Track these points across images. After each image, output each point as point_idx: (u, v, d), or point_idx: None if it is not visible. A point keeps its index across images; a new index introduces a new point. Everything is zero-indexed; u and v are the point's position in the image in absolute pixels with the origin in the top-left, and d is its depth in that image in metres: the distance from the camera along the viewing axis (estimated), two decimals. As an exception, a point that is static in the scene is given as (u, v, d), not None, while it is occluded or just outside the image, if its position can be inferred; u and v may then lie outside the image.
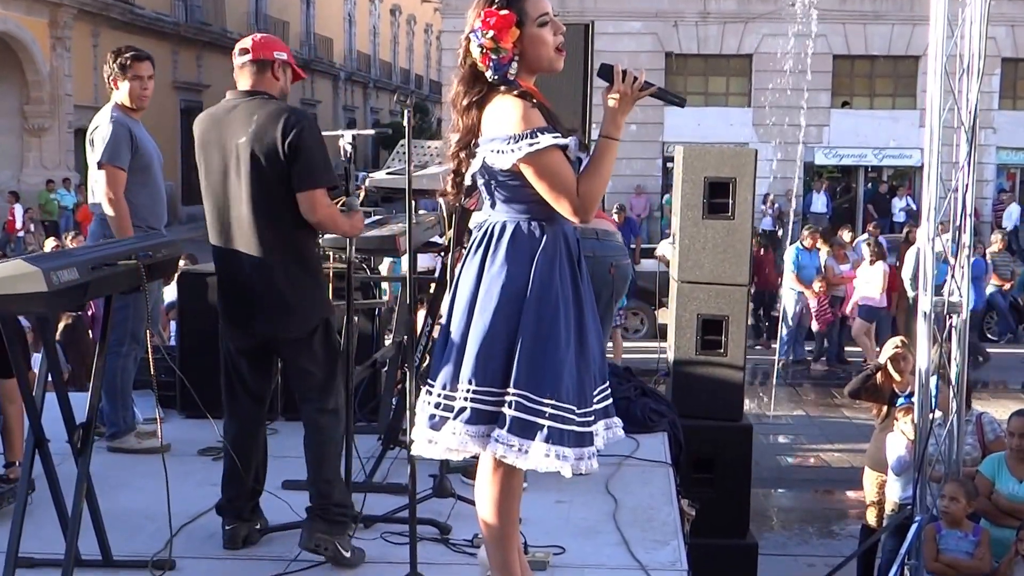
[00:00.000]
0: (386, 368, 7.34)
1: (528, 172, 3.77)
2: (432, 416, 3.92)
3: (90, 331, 11.65)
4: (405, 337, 6.65)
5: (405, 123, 4.86)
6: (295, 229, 4.95)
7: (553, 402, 3.78)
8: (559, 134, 3.77)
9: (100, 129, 6.48)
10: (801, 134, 27.98)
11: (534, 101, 3.81)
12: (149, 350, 5.09)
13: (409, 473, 4.85)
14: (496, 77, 3.82)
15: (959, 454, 8.05)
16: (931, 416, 7.94)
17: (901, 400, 8.91)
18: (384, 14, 64.18)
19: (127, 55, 6.64)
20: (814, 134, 31.79)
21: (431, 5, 55.63)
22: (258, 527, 5.27)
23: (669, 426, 7.44)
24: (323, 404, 5.06)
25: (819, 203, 31.30)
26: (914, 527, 7.84)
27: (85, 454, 4.66)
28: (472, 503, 4.16)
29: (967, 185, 7.81)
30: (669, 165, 31.58)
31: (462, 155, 3.91)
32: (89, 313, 11.95)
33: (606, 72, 3.84)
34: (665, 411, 7.60)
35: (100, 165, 6.40)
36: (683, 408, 7.91)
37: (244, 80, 5.14)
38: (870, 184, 34.26)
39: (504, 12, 3.80)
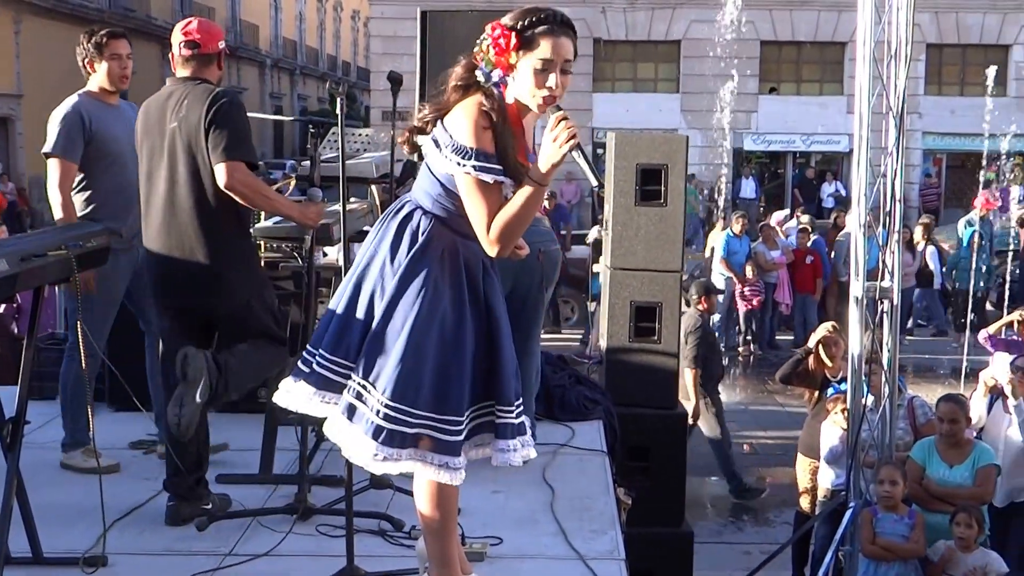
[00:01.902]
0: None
1: (460, 184, 3.74)
2: (296, 370, 4.00)
3: (15, 325, 11.47)
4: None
5: (338, 110, 4.83)
6: (221, 207, 5.07)
7: (388, 401, 3.77)
8: (495, 168, 3.69)
9: (54, 117, 6.30)
10: (729, 120, 28.22)
11: (496, 120, 3.72)
12: (80, 343, 5.05)
13: (345, 464, 4.81)
14: (484, 82, 3.75)
15: (892, 439, 8.14)
16: (863, 401, 8.03)
17: (834, 388, 8.97)
18: (310, 0, 63.77)
19: (102, 33, 6.34)
20: (742, 120, 32.05)
21: (358, -9, 55.45)
22: (208, 506, 5.29)
23: (604, 414, 7.46)
24: (229, 382, 5.09)
25: (748, 189, 31.57)
26: (848, 513, 7.92)
27: (15, 450, 4.59)
28: (410, 494, 4.14)
29: (896, 170, 7.89)
30: (600, 152, 31.66)
31: (430, 122, 3.85)
32: (15, 306, 11.75)
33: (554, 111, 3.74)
34: (600, 399, 7.61)
35: (46, 156, 6.25)
36: (618, 396, 7.93)
37: (186, 69, 5.28)
38: (798, 170, 34.58)
39: (511, 34, 3.68)
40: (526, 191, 3.69)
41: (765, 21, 33.03)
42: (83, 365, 5.01)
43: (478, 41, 3.76)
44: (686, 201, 8.20)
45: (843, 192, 29.91)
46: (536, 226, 7.32)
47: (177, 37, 5.33)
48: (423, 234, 3.85)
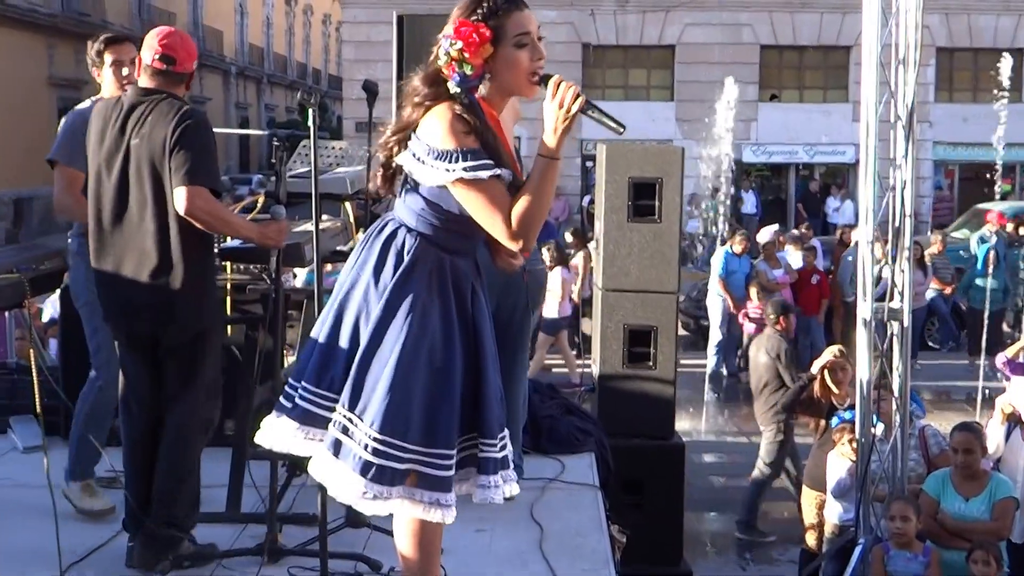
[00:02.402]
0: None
1: (456, 193, 3.74)
2: (278, 406, 4.01)
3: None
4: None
5: (310, 123, 4.84)
6: (183, 231, 5.09)
7: (377, 434, 3.76)
8: (488, 163, 3.71)
9: (62, 123, 6.31)
10: (727, 130, 28.27)
11: (472, 121, 3.74)
12: (34, 372, 5.04)
13: (319, 501, 4.81)
14: (459, 91, 3.77)
15: (903, 471, 8.15)
16: (873, 431, 8.04)
17: (836, 419, 8.96)
18: (278, 4, 63.84)
19: (101, 39, 6.30)
20: (741, 130, 32.11)
21: (329, -7, 55.53)
22: (181, 545, 5.31)
23: (596, 446, 7.45)
24: (180, 414, 5.19)
25: (748, 203, 31.62)
26: (858, 550, 7.92)
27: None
28: (389, 533, 4.13)
29: (906, 182, 7.92)
30: (589, 164, 31.72)
31: (395, 148, 3.88)
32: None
33: (545, 81, 3.79)
34: (592, 430, 7.61)
35: (49, 163, 6.24)
36: (611, 426, 7.93)
37: (152, 81, 5.28)
38: (801, 182, 34.64)
39: (480, 26, 3.73)
40: (540, 169, 3.73)
41: (764, 24, 33.18)
42: (35, 394, 4.98)
43: (440, 53, 3.77)
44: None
45: (849, 206, 29.97)
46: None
47: (151, 44, 5.32)
48: (409, 254, 3.85)
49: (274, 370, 7.02)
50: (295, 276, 12.56)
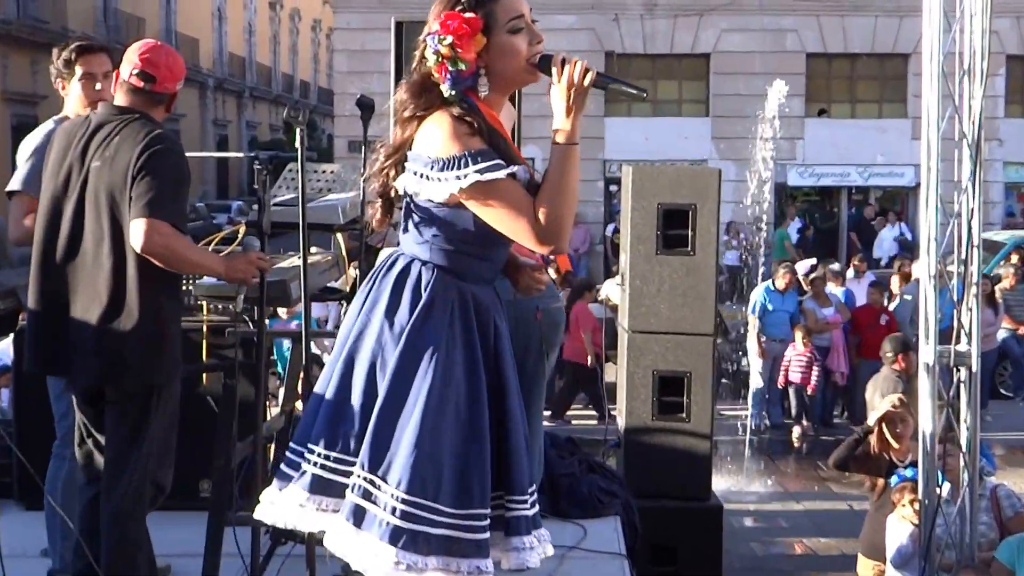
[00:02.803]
0: (274, 444, 7.28)
1: (472, 202, 3.77)
2: (281, 475, 4.00)
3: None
4: (298, 406, 6.62)
5: (297, 143, 4.86)
6: (140, 269, 5.09)
7: (397, 491, 3.74)
8: (500, 163, 3.75)
9: (24, 148, 6.25)
10: (770, 149, 28.24)
11: (475, 123, 3.78)
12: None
13: (306, 570, 4.80)
14: (454, 92, 3.81)
15: (973, 536, 8.10)
16: (938, 491, 8.00)
17: (897, 478, 8.92)
18: (262, 9, 64.18)
19: (72, 48, 6.24)
20: (786, 149, 32.10)
21: (319, -4, 55.77)
22: None
23: (622, 508, 7.44)
24: (112, 488, 5.18)
25: (794, 232, 31.58)
26: (921, 626, 7.88)
27: None
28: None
29: (973, 209, 7.91)
30: (613, 188, 31.75)
31: (390, 173, 3.93)
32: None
33: (546, 64, 3.85)
34: (617, 490, 7.59)
35: (8, 195, 6.22)
36: (639, 486, 7.91)
37: (127, 99, 5.28)
38: (854, 208, 34.57)
39: (469, 15, 3.78)
40: (559, 158, 3.78)
41: (811, 29, 33.18)
42: None
43: (426, 54, 3.82)
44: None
45: (908, 235, 29.92)
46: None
47: (131, 58, 5.33)
48: (426, 289, 3.87)
49: (256, 424, 7.04)
50: (278, 317, 12.58)
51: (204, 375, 6.75)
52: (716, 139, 32.81)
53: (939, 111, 7.85)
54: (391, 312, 3.87)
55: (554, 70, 3.79)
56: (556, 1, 31.68)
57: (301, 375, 6.11)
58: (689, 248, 8.04)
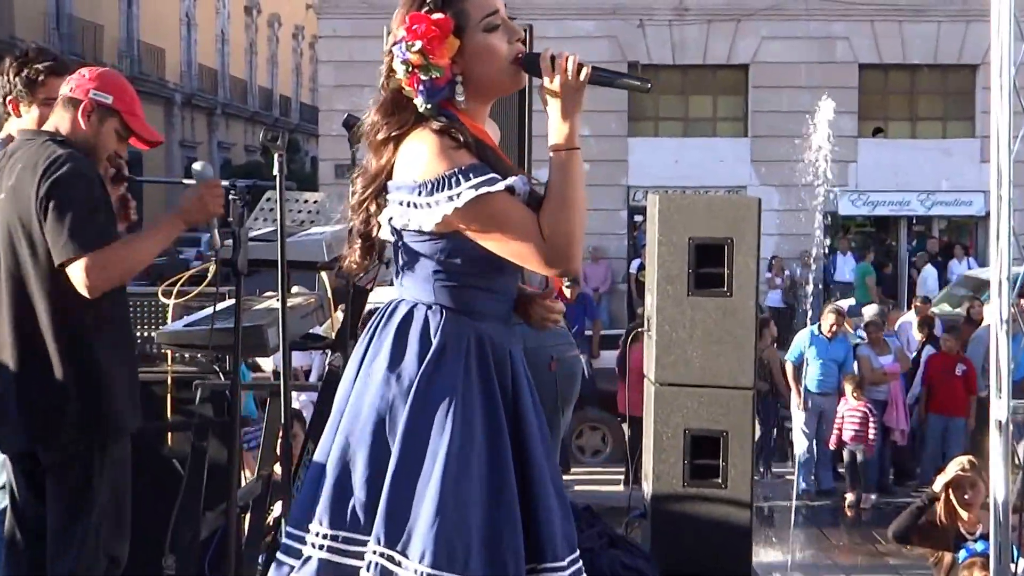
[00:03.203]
0: (249, 514, 7.28)
1: (469, 226, 3.77)
2: (278, 564, 3.96)
3: None
4: (275, 470, 6.62)
5: (276, 169, 4.87)
6: (56, 310, 5.08)
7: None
8: (494, 174, 3.76)
9: None
10: (819, 174, 28.23)
11: (460, 136, 3.80)
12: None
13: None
14: (429, 105, 3.82)
15: (1051, 619, 8.09)
16: (1012, 568, 7.97)
17: (965, 552, 8.89)
18: (236, 14, 64.32)
19: (39, 67, 5.92)
20: (836, 174, 32.05)
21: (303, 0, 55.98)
22: None
23: (649, 588, 7.42)
24: (58, 564, 5.14)
25: (846, 269, 31.54)
26: None
27: None
28: None
29: (1052, 243, 7.91)
30: (638, 219, 31.74)
31: (371, 207, 3.93)
32: None
33: (533, 63, 3.87)
34: (643, 567, 7.57)
35: None
36: (668, 562, 7.88)
37: (49, 118, 5.29)
38: (915, 241, 34.55)
39: (437, 16, 3.79)
40: (560, 167, 3.80)
41: (865, 37, 33.19)
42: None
43: (394, 66, 3.82)
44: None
45: (931, 273, 29.85)
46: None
47: (72, 78, 5.36)
48: (436, 334, 3.86)
49: (229, 490, 7.05)
50: (256, 367, 12.58)
51: (169, 434, 6.75)
52: (756, 163, 32.82)
53: (1011, 130, 7.85)
54: (396, 364, 3.86)
55: (543, 67, 3.81)
56: (572, 4, 31.76)
57: (280, 434, 6.11)
58: (725, 288, 8.01)
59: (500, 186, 3.75)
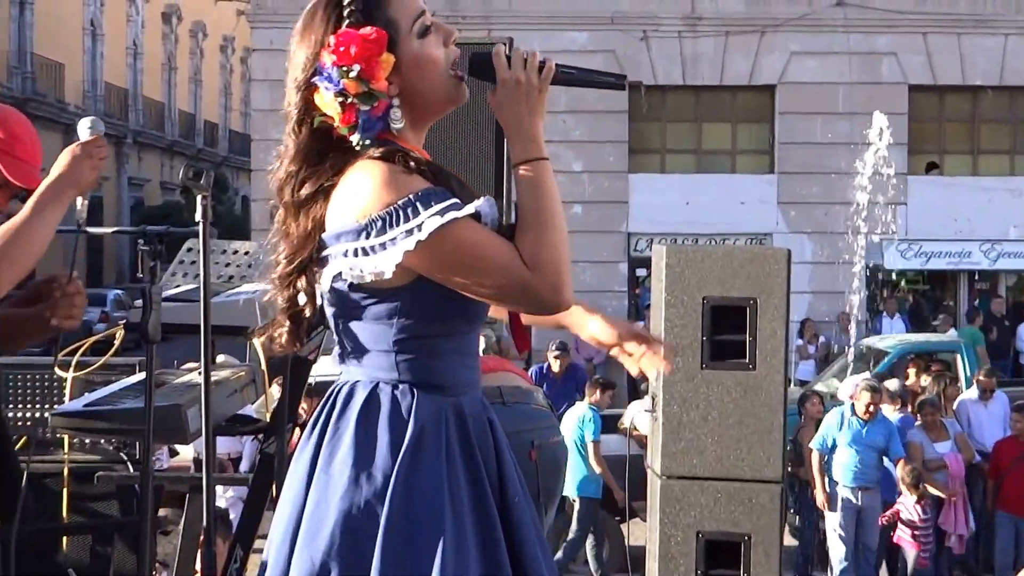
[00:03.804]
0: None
1: (432, 266, 3.73)
2: None
3: None
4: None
5: (199, 215, 4.87)
6: None
7: None
8: (456, 201, 3.73)
9: None
10: (862, 219, 28.31)
11: (410, 161, 3.77)
12: None
13: None
14: (367, 141, 3.80)
15: None
16: None
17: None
18: (152, 21, 64.47)
19: None
20: (883, 219, 32.13)
21: (232, 5, 55.93)
22: None
23: None
24: None
25: (897, 331, 31.56)
26: None
27: None
28: None
29: None
30: (640, 273, 31.76)
31: (299, 281, 3.89)
32: None
33: (483, 65, 3.87)
34: None
35: None
36: None
37: None
38: (978, 301, 34.57)
39: (367, 31, 3.76)
40: (529, 180, 3.79)
41: (916, 52, 33.23)
42: None
43: (321, 102, 3.80)
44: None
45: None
46: (523, 404, 7.33)
47: None
48: (410, 419, 3.83)
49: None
50: (175, 454, 12.57)
51: (64, 538, 6.73)
52: (784, 204, 32.85)
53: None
54: (365, 461, 3.81)
55: (497, 66, 3.81)
56: (562, 10, 31.77)
57: (202, 539, 6.08)
58: (747, 359, 8.03)
59: (469, 209, 3.73)
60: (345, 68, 3.73)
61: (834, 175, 29.75)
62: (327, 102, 3.78)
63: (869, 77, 32.78)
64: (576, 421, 16.80)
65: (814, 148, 31.90)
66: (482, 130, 6.06)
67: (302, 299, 3.92)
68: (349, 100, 3.75)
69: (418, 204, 3.67)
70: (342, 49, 3.73)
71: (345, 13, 3.78)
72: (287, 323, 3.98)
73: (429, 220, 3.65)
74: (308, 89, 3.83)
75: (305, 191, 3.83)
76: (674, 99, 33.52)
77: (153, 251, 5.54)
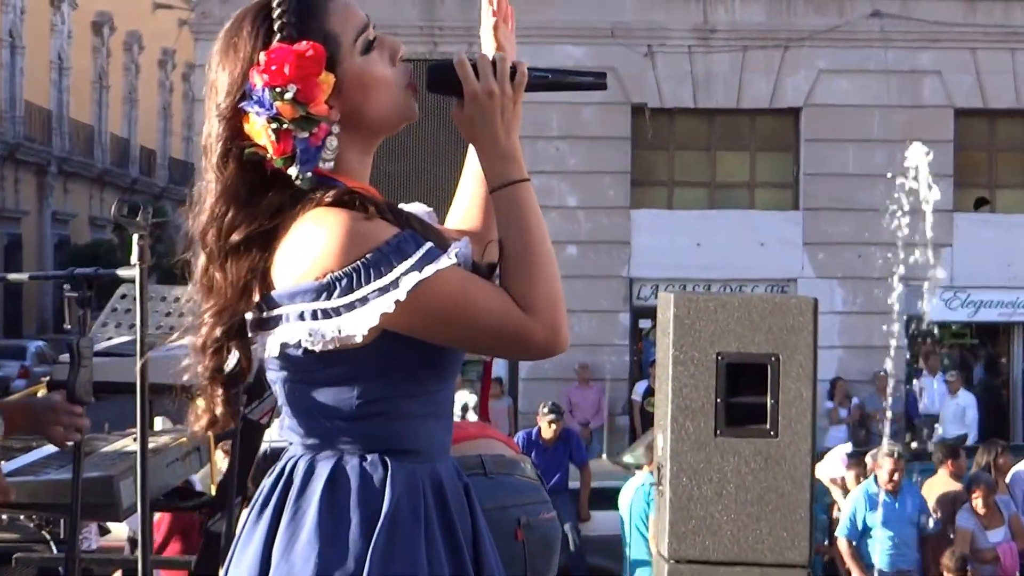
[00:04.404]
0: None
1: (409, 327, 3.71)
2: None
3: None
4: None
5: (134, 257, 4.88)
6: None
7: None
8: (430, 244, 3.71)
9: None
10: (900, 262, 28.36)
11: (368, 204, 3.74)
12: None
13: None
14: (307, 175, 3.75)
15: None
16: None
17: None
18: (80, 31, 64.52)
19: None
20: (925, 262, 32.10)
21: (171, 14, 55.99)
22: None
23: None
24: None
25: (937, 398, 31.55)
26: None
27: None
28: None
29: None
30: (644, 325, 31.76)
31: (231, 343, 3.83)
32: None
33: (443, 77, 3.86)
34: None
35: None
36: None
37: None
38: (1036, 359, 34.67)
39: (301, 46, 3.72)
40: (511, 208, 3.79)
41: (963, 71, 33.22)
42: None
43: (252, 130, 3.75)
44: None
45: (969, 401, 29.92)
46: (509, 476, 7.34)
47: None
48: (384, 494, 3.81)
49: None
50: (106, 531, 12.57)
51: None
52: (811, 246, 32.85)
53: None
54: (334, 543, 3.77)
55: (462, 77, 3.80)
56: (555, 21, 31.64)
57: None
58: (768, 425, 8.05)
59: (451, 257, 3.68)
60: (279, 89, 3.68)
61: (868, 212, 29.78)
62: (258, 130, 3.73)
63: (909, 99, 32.78)
64: (636, 495, 16.53)
65: (845, 181, 31.92)
66: (443, 133, 6.10)
67: (231, 364, 3.84)
68: (284, 127, 3.70)
69: (390, 256, 3.64)
70: (274, 68, 3.69)
71: (276, 26, 3.75)
72: (220, 393, 3.87)
73: (407, 276, 3.62)
74: (235, 116, 3.77)
75: (236, 237, 3.76)
76: (683, 124, 33.55)
77: (81, 298, 5.54)
